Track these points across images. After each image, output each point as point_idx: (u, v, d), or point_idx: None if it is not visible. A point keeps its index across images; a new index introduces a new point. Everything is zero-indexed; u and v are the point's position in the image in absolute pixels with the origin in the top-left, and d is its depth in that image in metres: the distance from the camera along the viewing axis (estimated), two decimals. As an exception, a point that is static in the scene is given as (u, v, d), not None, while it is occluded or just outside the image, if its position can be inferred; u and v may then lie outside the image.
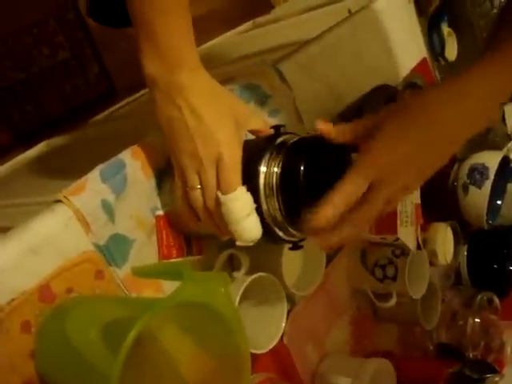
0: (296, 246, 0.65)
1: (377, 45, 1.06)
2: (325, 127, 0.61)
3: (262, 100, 0.84)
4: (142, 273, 0.57)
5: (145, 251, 0.68)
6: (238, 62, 1.26)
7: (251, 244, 0.63)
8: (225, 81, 0.82)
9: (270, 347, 0.75)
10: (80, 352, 0.54)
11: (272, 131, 0.66)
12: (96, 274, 0.62)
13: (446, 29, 1.26)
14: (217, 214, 0.62)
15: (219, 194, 0.60)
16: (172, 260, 0.65)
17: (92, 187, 0.64)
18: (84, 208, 0.63)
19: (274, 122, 0.82)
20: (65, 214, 0.62)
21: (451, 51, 1.27)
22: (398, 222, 0.84)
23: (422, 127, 0.59)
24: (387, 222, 0.85)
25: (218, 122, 0.61)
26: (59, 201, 0.63)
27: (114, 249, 0.65)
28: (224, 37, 1.63)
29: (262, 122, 0.67)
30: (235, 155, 0.61)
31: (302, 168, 0.59)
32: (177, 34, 0.60)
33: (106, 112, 1.42)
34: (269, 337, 0.76)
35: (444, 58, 1.26)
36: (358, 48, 1.01)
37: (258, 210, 0.61)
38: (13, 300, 0.56)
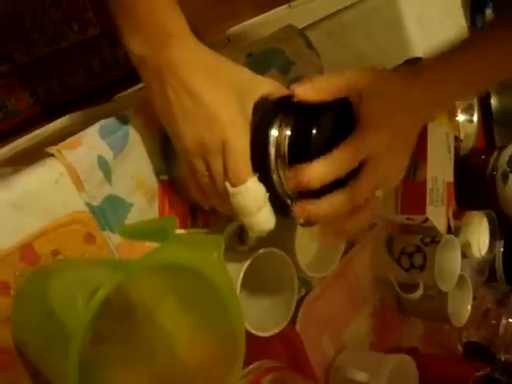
0: (308, 222, 0.59)
1: (412, 18, 1.00)
2: (301, 90, 0.55)
3: (284, 66, 0.78)
4: (128, 233, 0.51)
5: (144, 218, 0.63)
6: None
7: (264, 235, 0.58)
8: (246, 46, 0.76)
9: (277, 331, 0.69)
10: (63, 321, 0.49)
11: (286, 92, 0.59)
12: (85, 237, 0.57)
13: (489, 14, 1.23)
14: (228, 201, 0.56)
15: (228, 185, 0.55)
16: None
17: (89, 142, 0.59)
18: (77, 163, 0.57)
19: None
20: (56, 169, 0.57)
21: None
22: (428, 200, 0.78)
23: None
24: (415, 201, 0.79)
25: (219, 101, 0.54)
26: (52, 155, 0.57)
27: (109, 212, 0.60)
28: (257, 19, 1.58)
29: (271, 85, 0.60)
30: (241, 138, 0.55)
31: (313, 132, 0.53)
32: (158, 7, 0.53)
33: (132, 89, 1.38)
34: (276, 320, 0.70)
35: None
36: (391, 20, 0.95)
37: (269, 180, 0.55)
38: (-11, 258, 0.51)
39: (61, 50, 1.48)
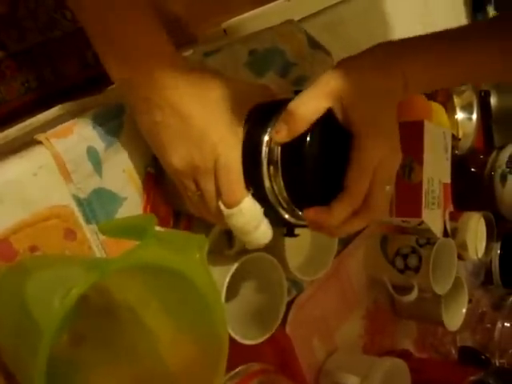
0: (290, 233, 0.58)
1: (413, 13, 0.99)
2: (284, 132, 0.52)
3: (283, 69, 0.76)
4: (107, 230, 0.49)
5: (137, 212, 0.61)
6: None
7: (261, 247, 0.57)
8: (248, 41, 0.74)
9: (264, 338, 0.67)
10: (37, 320, 0.46)
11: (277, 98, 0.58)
12: (65, 233, 0.54)
13: (491, 11, 1.24)
14: (223, 219, 0.54)
15: (222, 206, 0.53)
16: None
17: (80, 132, 0.57)
18: (65, 153, 0.55)
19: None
20: (39, 158, 0.55)
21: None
22: (423, 203, 0.76)
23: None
24: (410, 204, 0.77)
25: (208, 120, 0.52)
26: (40, 142, 0.55)
27: (97, 205, 0.57)
28: (254, 12, 1.56)
29: (261, 95, 0.57)
30: (233, 156, 0.53)
31: (308, 139, 0.51)
32: (139, 28, 0.51)
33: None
34: (264, 326, 0.68)
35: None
36: (392, 14, 0.93)
37: (261, 188, 0.53)
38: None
39: (54, 38, 1.45)
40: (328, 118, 0.53)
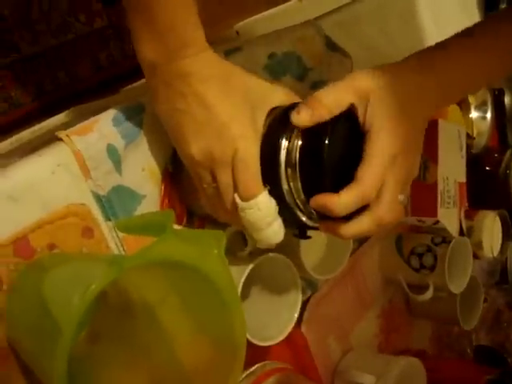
0: (303, 234, 0.57)
1: (427, 12, 0.98)
2: (306, 115, 0.52)
3: (300, 74, 0.76)
4: (125, 227, 0.49)
5: (155, 210, 0.61)
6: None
7: (272, 247, 0.57)
8: (268, 44, 0.74)
9: (281, 339, 0.67)
10: (56, 318, 0.46)
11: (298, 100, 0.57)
12: (83, 231, 0.54)
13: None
14: (236, 215, 0.54)
15: (237, 198, 0.52)
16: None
17: (100, 129, 0.57)
18: (86, 151, 0.55)
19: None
20: (58, 156, 0.55)
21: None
22: (439, 202, 0.75)
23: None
24: (426, 203, 0.76)
25: (231, 113, 0.52)
26: (61, 139, 0.55)
27: (116, 202, 0.58)
28: (267, 13, 1.56)
29: (284, 94, 0.57)
30: (252, 151, 0.52)
31: (326, 142, 0.51)
32: (179, 15, 0.51)
33: (140, 82, 1.36)
34: (280, 327, 0.68)
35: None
36: (406, 13, 0.93)
37: (279, 190, 0.53)
38: (-19, 251, 0.49)
39: (67, 41, 1.46)
40: (348, 118, 0.53)
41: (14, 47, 1.35)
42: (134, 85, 1.35)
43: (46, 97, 1.43)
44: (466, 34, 0.59)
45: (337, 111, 0.51)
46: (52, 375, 0.38)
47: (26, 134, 1.25)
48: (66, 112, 1.27)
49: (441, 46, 0.59)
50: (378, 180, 0.51)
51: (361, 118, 0.52)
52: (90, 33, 1.50)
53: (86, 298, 0.38)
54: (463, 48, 0.58)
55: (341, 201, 0.50)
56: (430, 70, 0.56)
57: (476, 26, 0.59)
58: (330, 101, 0.51)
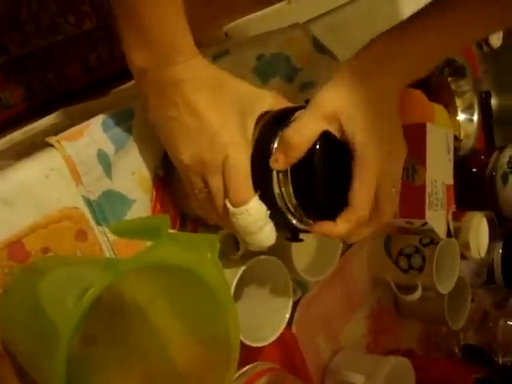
0: (295, 238, 0.58)
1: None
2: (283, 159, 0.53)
3: (289, 74, 0.76)
4: (119, 230, 0.49)
5: (145, 214, 0.61)
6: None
7: (264, 250, 0.58)
8: (257, 46, 0.74)
9: (273, 339, 0.68)
10: (52, 320, 0.47)
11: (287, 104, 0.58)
12: (77, 234, 0.55)
13: None
14: (228, 219, 0.55)
15: (228, 204, 0.53)
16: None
17: (91, 135, 0.57)
18: (76, 156, 0.56)
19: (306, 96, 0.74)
20: (51, 161, 0.55)
21: (496, 38, 1.22)
22: (427, 204, 0.76)
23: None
24: (414, 205, 0.77)
25: (221, 120, 0.53)
26: (51, 145, 0.56)
27: (107, 206, 0.58)
28: (256, 15, 1.56)
29: (273, 99, 0.57)
30: (242, 157, 0.53)
31: (317, 147, 0.52)
32: (168, 21, 0.51)
33: (130, 83, 1.36)
34: (272, 327, 0.69)
35: (488, 45, 1.22)
36: (394, 16, 0.93)
37: (270, 195, 0.54)
38: (-24, 255, 0.50)
39: (56, 42, 1.46)
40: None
41: (3, 49, 1.35)
42: (124, 86, 1.35)
43: (35, 98, 1.42)
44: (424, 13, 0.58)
45: (310, 144, 0.52)
46: (51, 376, 0.38)
47: (17, 135, 1.25)
48: (57, 113, 1.28)
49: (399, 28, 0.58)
50: (371, 198, 0.53)
51: (340, 138, 0.53)
52: (79, 34, 1.50)
53: (83, 301, 0.38)
54: (423, 27, 0.57)
55: (339, 229, 0.53)
56: (385, 62, 0.55)
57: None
58: (300, 139, 0.51)
